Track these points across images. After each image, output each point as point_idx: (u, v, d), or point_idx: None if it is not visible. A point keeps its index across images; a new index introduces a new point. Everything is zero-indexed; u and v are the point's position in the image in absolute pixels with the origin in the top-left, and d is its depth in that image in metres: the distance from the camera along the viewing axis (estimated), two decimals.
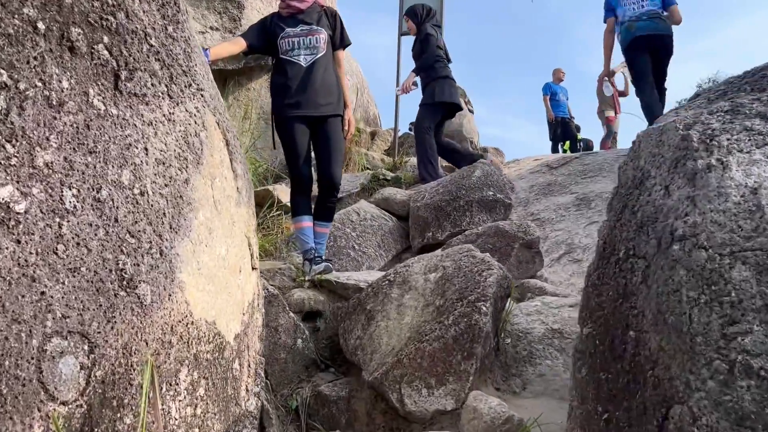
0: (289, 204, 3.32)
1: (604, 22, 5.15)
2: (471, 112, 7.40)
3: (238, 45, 3.00)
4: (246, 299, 1.67)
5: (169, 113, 1.38)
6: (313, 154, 3.11)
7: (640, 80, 4.82)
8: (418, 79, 5.16)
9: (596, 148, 9.84)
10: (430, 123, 5.12)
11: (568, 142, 10.55)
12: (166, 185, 1.32)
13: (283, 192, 4.02)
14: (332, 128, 2.96)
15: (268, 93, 4.11)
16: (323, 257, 2.97)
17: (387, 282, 2.28)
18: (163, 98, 1.35)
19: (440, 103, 5.08)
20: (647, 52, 4.75)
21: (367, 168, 5.60)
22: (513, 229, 3.16)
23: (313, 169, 3.31)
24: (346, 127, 3.09)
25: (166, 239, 1.29)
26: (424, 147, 4.98)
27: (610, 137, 9.84)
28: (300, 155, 2.92)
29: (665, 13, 4.75)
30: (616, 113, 9.92)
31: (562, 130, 10.38)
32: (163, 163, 1.32)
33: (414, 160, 5.42)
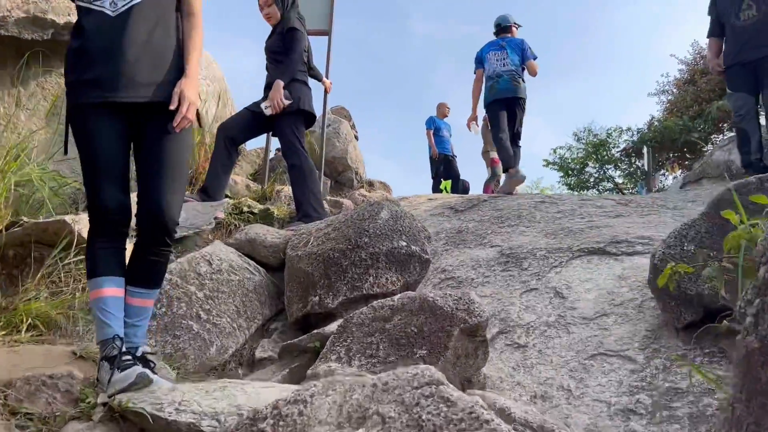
0: None
1: (474, 72, 5.91)
2: (356, 138, 6.42)
3: None
4: None
5: None
6: (134, 168, 1.84)
7: (497, 135, 5.60)
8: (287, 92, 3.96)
9: (474, 190, 9.35)
10: (303, 139, 4.02)
11: (449, 182, 10.01)
12: None
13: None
14: (165, 127, 1.75)
15: None
16: (138, 353, 1.70)
17: None
18: None
19: (302, 112, 4.00)
20: (505, 110, 5.54)
21: (227, 195, 4.32)
22: (449, 304, 2.13)
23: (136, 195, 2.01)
24: (180, 109, 1.78)
25: None
26: (303, 173, 3.86)
27: (493, 180, 9.41)
28: (103, 171, 1.67)
29: (523, 68, 5.64)
30: None
31: (444, 168, 9.78)
32: None
33: (290, 189, 4.26)
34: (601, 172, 13.15)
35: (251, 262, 3.02)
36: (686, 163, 12.53)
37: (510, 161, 5.52)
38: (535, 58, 5.71)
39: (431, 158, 9.77)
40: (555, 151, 13.65)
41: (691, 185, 9.14)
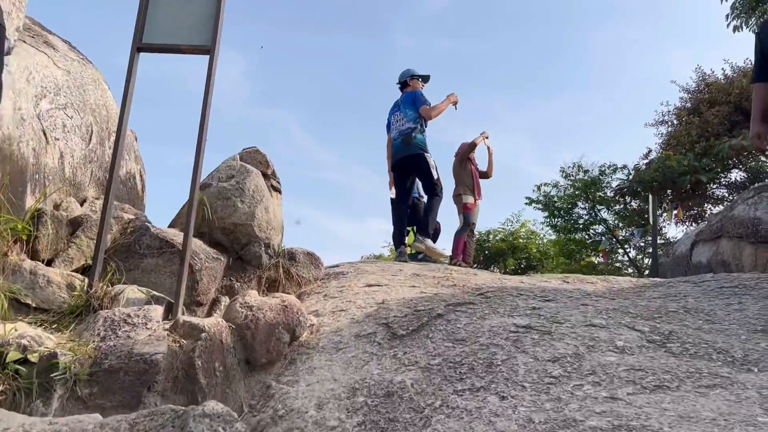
0: None
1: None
2: (277, 190, 4.80)
3: None
4: None
5: None
6: None
7: (398, 196, 6.24)
8: None
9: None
10: None
11: (412, 236, 8.47)
12: None
13: None
14: None
15: None
16: None
17: None
18: None
19: None
20: (402, 174, 6.09)
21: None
22: None
23: None
24: None
25: None
26: None
27: (466, 230, 7.86)
28: None
29: (418, 120, 6.02)
30: (475, 199, 8.00)
31: (409, 212, 8.20)
32: None
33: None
34: (592, 214, 11.74)
35: None
36: (690, 204, 11.16)
37: (398, 238, 6.24)
38: (428, 104, 6.02)
39: (392, 200, 8.20)
40: (539, 188, 12.22)
41: (706, 244, 7.73)
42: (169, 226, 4.39)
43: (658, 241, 11.13)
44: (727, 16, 12.91)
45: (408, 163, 5.95)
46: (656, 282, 4.49)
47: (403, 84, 6.54)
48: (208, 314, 3.57)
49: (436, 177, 6.07)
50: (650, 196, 8.79)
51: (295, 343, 3.04)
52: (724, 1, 13.02)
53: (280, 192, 4.93)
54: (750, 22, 12.84)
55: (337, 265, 5.30)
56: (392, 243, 7.47)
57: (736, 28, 13.11)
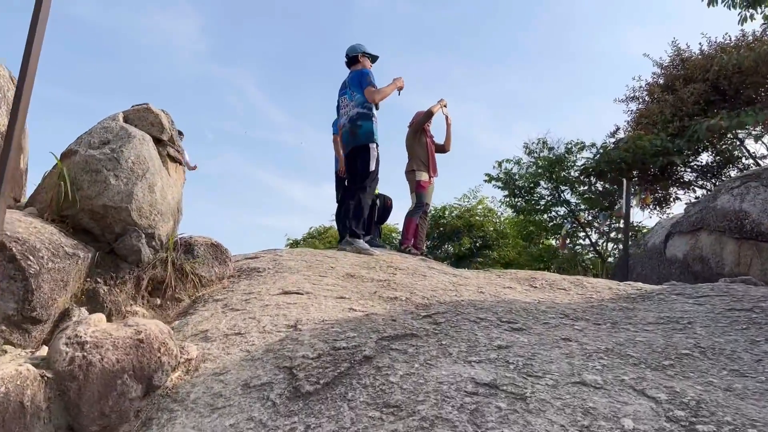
0: None
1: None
2: (177, 162, 3.79)
3: None
4: None
5: None
6: None
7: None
8: None
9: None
10: None
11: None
12: None
13: None
14: None
15: None
16: None
17: None
18: None
19: None
20: (349, 167, 5.49)
21: None
22: None
23: None
24: None
25: None
26: None
27: (419, 212, 6.99)
28: None
29: (366, 104, 5.30)
30: (430, 176, 7.12)
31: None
32: None
33: None
34: (555, 195, 11.05)
35: None
36: (656, 188, 10.58)
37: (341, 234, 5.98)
38: (373, 85, 5.33)
39: (337, 174, 7.23)
40: (500, 165, 11.41)
41: (683, 237, 7.08)
42: (26, 206, 3.34)
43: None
44: None
45: (354, 155, 5.33)
46: (643, 293, 3.72)
47: (351, 60, 5.72)
48: (50, 336, 2.59)
49: (372, 168, 5.28)
50: (624, 180, 8.11)
51: (157, 393, 2.10)
52: None
53: (180, 163, 3.90)
54: None
55: (255, 256, 4.35)
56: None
57: (711, 2, 12.51)
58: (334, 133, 7.29)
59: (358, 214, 5.27)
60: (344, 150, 5.54)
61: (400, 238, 7.19)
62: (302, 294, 3.14)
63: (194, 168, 11.01)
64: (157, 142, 3.65)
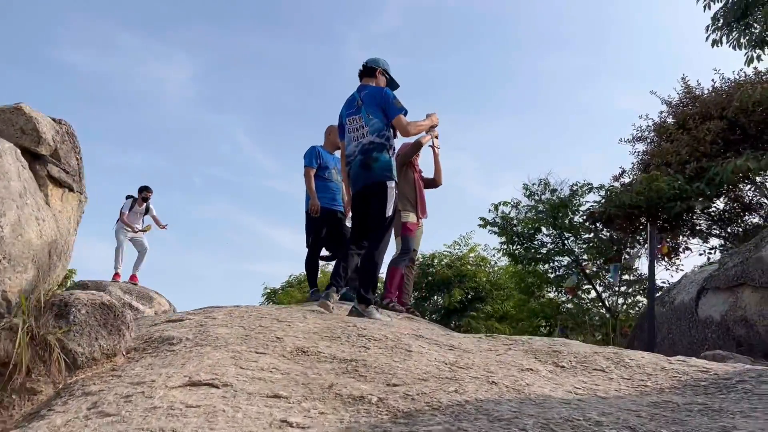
0: None
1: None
2: (63, 186, 2.72)
3: None
4: None
5: None
6: None
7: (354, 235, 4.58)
8: None
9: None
10: None
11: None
12: None
13: None
14: None
15: None
16: None
17: None
18: None
19: None
20: (363, 204, 4.36)
21: None
22: None
23: None
24: None
25: None
26: None
27: (405, 259, 5.93)
28: None
29: (384, 132, 4.28)
30: (418, 218, 6.11)
31: (330, 231, 6.20)
32: None
33: None
34: (558, 243, 10.03)
35: None
36: (668, 236, 9.61)
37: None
38: (404, 112, 4.29)
39: (307, 213, 6.18)
40: (496, 208, 10.40)
41: (719, 294, 6.07)
42: None
43: (638, 281, 9.52)
44: (707, 28, 11.68)
45: (367, 194, 4.29)
46: (716, 379, 2.66)
47: (368, 71, 4.54)
48: None
49: (389, 213, 4.24)
50: (648, 226, 7.14)
51: None
52: (707, 9, 11.79)
53: (71, 189, 2.83)
54: (731, 37, 11.66)
55: (180, 318, 3.25)
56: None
57: (715, 42, 11.93)
58: (306, 165, 6.29)
59: (370, 274, 4.16)
60: (353, 186, 4.41)
61: (381, 290, 6.11)
62: (217, 387, 2.04)
63: (164, 227, 10.18)
64: (33, 156, 2.61)
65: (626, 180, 11.11)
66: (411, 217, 5.91)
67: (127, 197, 9.88)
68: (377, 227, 4.17)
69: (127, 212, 9.70)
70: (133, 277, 10.05)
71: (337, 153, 6.28)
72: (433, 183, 6.22)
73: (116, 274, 9.86)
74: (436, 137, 6.19)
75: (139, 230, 9.85)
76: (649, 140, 10.26)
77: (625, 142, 10.75)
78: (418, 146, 5.93)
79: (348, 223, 6.39)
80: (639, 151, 10.40)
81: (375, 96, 4.29)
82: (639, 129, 10.46)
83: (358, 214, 4.40)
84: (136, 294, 9.84)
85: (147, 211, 9.95)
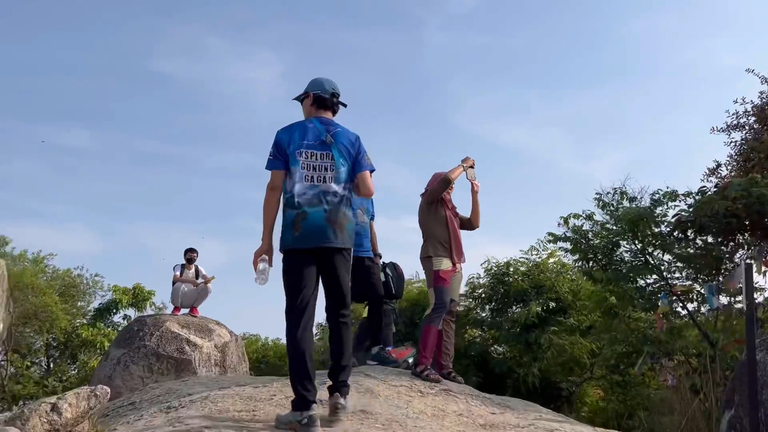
0: None
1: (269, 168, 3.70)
2: None
3: None
4: None
5: None
6: None
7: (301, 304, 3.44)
8: None
9: None
10: None
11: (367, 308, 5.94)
12: None
13: None
14: None
15: None
16: None
17: None
18: None
19: None
20: (324, 268, 3.56)
21: None
22: None
23: None
24: None
25: None
26: None
27: (441, 314, 5.04)
28: None
29: (349, 185, 3.64)
30: (454, 263, 5.23)
31: (355, 278, 5.41)
32: None
33: None
34: (642, 258, 8.75)
35: None
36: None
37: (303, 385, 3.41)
38: (371, 170, 3.71)
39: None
40: (566, 221, 9.21)
41: None
42: None
43: (740, 304, 8.10)
44: None
45: (328, 256, 3.51)
46: None
47: (330, 104, 3.68)
48: None
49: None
50: (750, 249, 5.89)
51: None
52: None
53: None
54: None
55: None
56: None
57: None
58: (276, 169, 5.54)
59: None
60: (303, 241, 3.43)
61: (415, 352, 5.29)
62: None
63: (211, 279, 9.94)
64: None
65: (723, 173, 9.61)
66: (444, 264, 5.02)
67: (174, 267, 9.84)
68: (344, 296, 3.60)
69: (179, 275, 9.63)
70: (193, 310, 9.89)
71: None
72: (470, 225, 5.31)
73: (176, 308, 9.81)
74: (472, 167, 5.29)
75: (200, 282, 9.67)
76: (748, 127, 8.75)
77: (719, 131, 9.26)
78: (447, 182, 5.04)
79: (379, 273, 5.67)
80: (735, 141, 8.89)
81: (351, 141, 3.58)
82: (735, 115, 8.94)
83: (307, 277, 3.48)
84: (195, 327, 9.65)
85: (197, 274, 9.77)
